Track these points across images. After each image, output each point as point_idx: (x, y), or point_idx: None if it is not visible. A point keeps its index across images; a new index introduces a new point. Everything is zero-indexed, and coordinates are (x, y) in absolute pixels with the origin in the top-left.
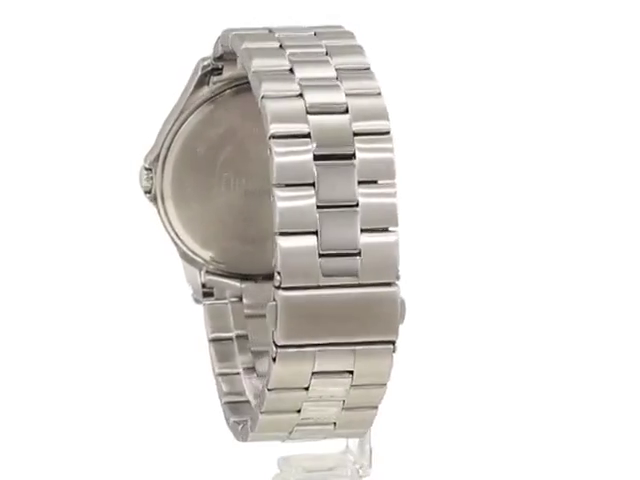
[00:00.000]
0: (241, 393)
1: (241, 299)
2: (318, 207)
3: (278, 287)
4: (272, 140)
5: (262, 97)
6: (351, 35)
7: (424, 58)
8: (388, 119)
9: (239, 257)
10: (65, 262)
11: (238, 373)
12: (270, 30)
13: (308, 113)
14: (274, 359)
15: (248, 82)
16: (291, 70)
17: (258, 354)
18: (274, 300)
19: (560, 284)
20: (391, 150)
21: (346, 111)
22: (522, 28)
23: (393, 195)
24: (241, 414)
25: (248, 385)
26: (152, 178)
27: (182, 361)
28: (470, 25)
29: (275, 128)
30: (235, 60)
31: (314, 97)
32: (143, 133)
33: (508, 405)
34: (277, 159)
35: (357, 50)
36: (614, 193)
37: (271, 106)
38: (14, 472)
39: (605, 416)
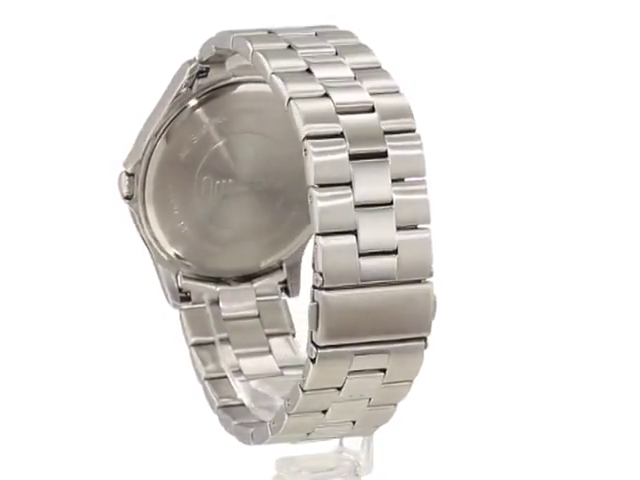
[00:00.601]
0: (232, 396)
1: (218, 302)
2: (355, 206)
3: (320, 288)
4: (307, 141)
5: (290, 98)
6: (352, 34)
7: (405, 56)
8: (413, 117)
9: (211, 259)
10: (30, 272)
11: (225, 376)
12: (270, 31)
13: (337, 113)
14: (313, 360)
15: (222, 87)
16: (308, 70)
17: (241, 356)
18: (314, 301)
19: (585, 280)
20: (420, 147)
21: (372, 110)
22: (505, 23)
23: (425, 192)
24: (239, 418)
25: (240, 388)
26: (133, 183)
27: (171, 365)
28: (462, 25)
29: (309, 129)
30: (222, 63)
31: (340, 97)
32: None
33: (514, 407)
34: (315, 159)
35: (365, 49)
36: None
37: (302, 107)
38: None
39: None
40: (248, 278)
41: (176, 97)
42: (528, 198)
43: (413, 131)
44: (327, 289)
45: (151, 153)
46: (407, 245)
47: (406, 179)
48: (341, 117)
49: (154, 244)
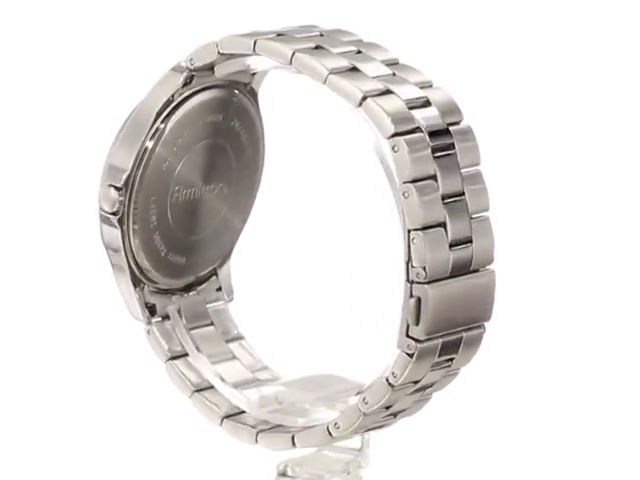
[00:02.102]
0: (230, 404)
1: (180, 313)
2: (442, 199)
3: (422, 282)
4: (398, 138)
5: (364, 97)
6: (351, 33)
7: None
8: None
9: (172, 270)
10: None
11: (212, 386)
12: (279, 33)
13: (409, 108)
14: (411, 355)
15: (192, 95)
16: (355, 69)
17: (216, 364)
18: (412, 296)
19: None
20: (475, 138)
21: (429, 103)
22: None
23: (483, 181)
24: (257, 425)
25: (232, 394)
26: (122, 197)
27: (151, 378)
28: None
29: (397, 125)
30: (211, 70)
31: (403, 93)
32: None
33: (515, 406)
34: (411, 155)
35: (378, 46)
36: None
37: (383, 104)
38: None
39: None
40: (191, 287)
41: (162, 107)
42: (531, 191)
43: (461, 122)
44: (428, 282)
45: (139, 165)
46: (478, 234)
47: (467, 169)
48: (412, 112)
49: (130, 257)
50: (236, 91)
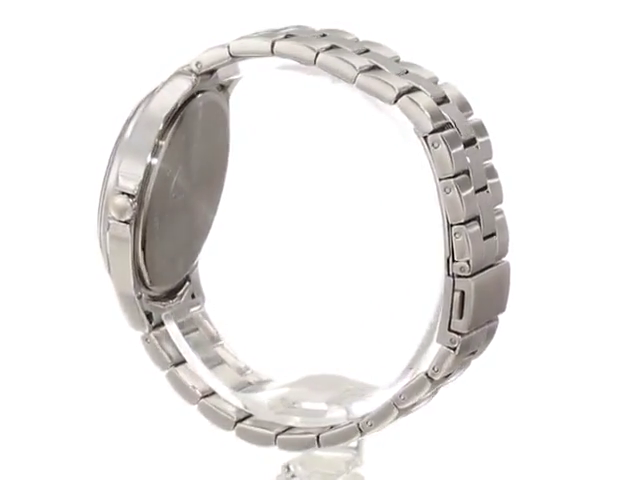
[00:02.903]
0: (239, 409)
1: (174, 320)
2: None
3: (466, 275)
4: (437, 134)
5: (399, 95)
6: (348, 32)
7: None
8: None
9: (162, 276)
10: None
11: (214, 392)
12: (287, 35)
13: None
14: (454, 349)
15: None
16: (376, 67)
17: (212, 368)
18: (454, 289)
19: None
20: (487, 131)
21: (447, 99)
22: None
23: (497, 175)
24: (271, 428)
25: (231, 398)
26: (134, 204)
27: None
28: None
29: (435, 122)
30: (213, 73)
31: (427, 89)
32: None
33: (512, 404)
34: (452, 150)
35: (379, 44)
36: None
37: (419, 101)
38: None
39: None
40: (170, 294)
41: (169, 112)
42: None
43: (471, 115)
44: (472, 276)
45: (149, 172)
46: (500, 226)
47: (485, 163)
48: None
49: (133, 264)
50: (216, 94)
